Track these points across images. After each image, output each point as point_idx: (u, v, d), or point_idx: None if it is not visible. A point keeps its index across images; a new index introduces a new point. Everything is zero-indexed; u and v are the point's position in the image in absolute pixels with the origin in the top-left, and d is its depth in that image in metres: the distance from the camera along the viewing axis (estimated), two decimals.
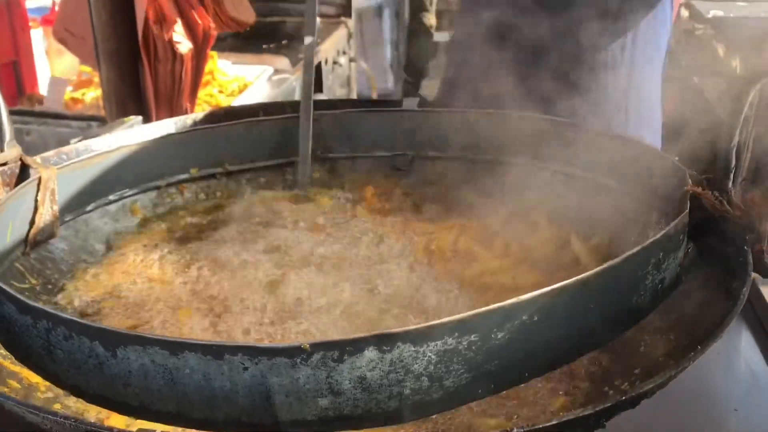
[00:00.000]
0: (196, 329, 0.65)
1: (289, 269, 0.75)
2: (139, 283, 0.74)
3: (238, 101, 2.06)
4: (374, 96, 3.42)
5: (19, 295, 0.48)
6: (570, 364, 0.51)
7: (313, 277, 0.73)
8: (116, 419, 0.51)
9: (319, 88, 2.72)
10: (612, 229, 0.78)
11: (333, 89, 2.86)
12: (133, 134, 0.86)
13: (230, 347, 0.43)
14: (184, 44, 1.11)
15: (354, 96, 3.20)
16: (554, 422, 0.42)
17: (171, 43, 1.10)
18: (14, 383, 0.53)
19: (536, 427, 0.41)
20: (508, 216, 0.85)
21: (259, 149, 0.92)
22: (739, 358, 0.92)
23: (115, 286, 0.74)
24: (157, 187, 0.87)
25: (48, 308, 0.47)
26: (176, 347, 0.43)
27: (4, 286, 0.50)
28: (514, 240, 0.81)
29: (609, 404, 0.43)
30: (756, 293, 1.00)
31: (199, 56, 1.18)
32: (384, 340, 0.43)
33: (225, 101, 2.02)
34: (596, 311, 0.50)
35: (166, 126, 0.90)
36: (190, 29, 1.13)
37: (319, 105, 0.96)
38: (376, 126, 0.94)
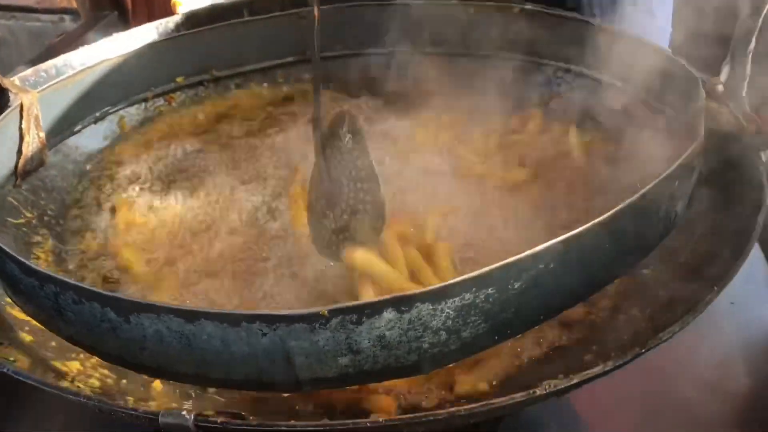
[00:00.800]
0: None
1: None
2: (138, 206, 0.73)
3: None
4: None
5: (23, 259, 0.47)
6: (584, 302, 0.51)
7: None
8: None
9: None
10: (613, 130, 0.76)
11: None
12: (114, 45, 0.81)
13: (247, 315, 0.42)
14: None
15: None
16: (576, 381, 0.42)
17: None
18: (26, 336, 0.53)
19: (559, 388, 0.42)
20: (499, 113, 0.83)
21: (247, 52, 0.88)
22: None
23: (112, 209, 0.72)
24: (144, 100, 0.83)
25: (55, 274, 0.45)
26: (192, 316, 0.42)
27: (5, 248, 0.48)
28: (498, 134, 0.79)
29: (629, 358, 0.44)
30: None
31: None
32: (402, 302, 0.42)
33: None
34: (611, 249, 0.50)
35: (147, 32, 0.85)
36: None
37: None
38: (369, 22, 0.89)
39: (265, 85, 0.89)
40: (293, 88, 0.89)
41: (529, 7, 0.83)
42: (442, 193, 0.67)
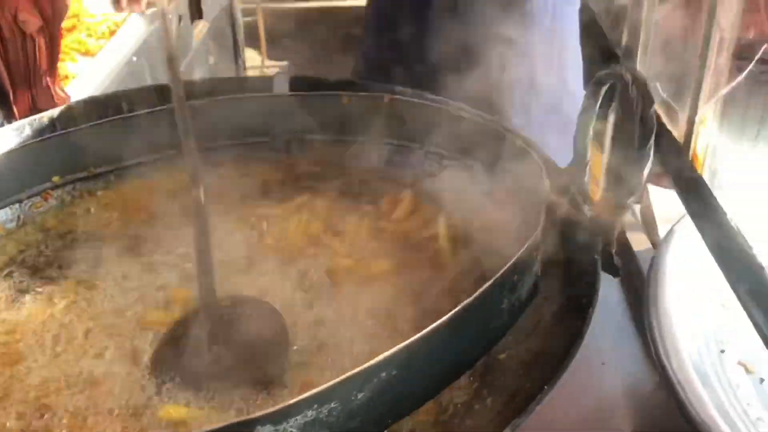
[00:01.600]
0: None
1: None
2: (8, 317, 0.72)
3: (112, 43, 1.94)
4: (260, 16, 3.28)
5: None
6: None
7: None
8: None
9: (199, 14, 2.61)
10: (478, 213, 0.80)
11: (213, 15, 2.74)
12: None
13: None
14: (31, 22, 1.03)
15: (238, 14, 3.08)
16: None
17: (16, 22, 1.01)
18: None
19: None
20: (371, 195, 0.86)
21: (126, 147, 0.88)
22: (608, 313, 0.98)
23: None
24: (19, 201, 0.83)
25: None
26: None
27: None
28: (370, 218, 0.82)
29: None
30: (624, 245, 1.06)
31: (52, 28, 1.09)
32: (243, 426, 0.44)
33: (95, 46, 1.90)
34: (456, 347, 0.53)
35: (19, 131, 0.85)
36: (37, 2, 1.04)
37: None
38: (248, 113, 0.91)
39: (147, 179, 0.90)
40: (175, 182, 0.89)
41: (398, 96, 0.88)
42: (307, 292, 0.70)
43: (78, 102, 0.92)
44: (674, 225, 0.95)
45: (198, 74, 2.36)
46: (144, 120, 0.89)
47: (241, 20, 2.99)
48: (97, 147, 0.87)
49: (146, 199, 0.87)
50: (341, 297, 0.71)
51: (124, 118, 0.88)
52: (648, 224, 1.09)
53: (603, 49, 0.74)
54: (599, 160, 0.82)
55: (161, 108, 0.89)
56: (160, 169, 0.90)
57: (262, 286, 0.72)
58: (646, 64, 0.96)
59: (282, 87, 0.97)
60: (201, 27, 2.50)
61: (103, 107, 0.92)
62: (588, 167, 0.72)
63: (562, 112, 1.29)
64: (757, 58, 0.69)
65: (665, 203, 1.03)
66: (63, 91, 1.31)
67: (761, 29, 0.70)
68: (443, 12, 1.11)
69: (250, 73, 3.44)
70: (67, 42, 1.84)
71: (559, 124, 1.30)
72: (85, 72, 1.77)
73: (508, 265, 0.56)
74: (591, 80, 0.69)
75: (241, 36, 3.00)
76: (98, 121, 0.87)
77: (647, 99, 0.59)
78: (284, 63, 4.25)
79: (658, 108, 0.94)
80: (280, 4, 4.38)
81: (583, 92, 1.29)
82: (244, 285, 0.73)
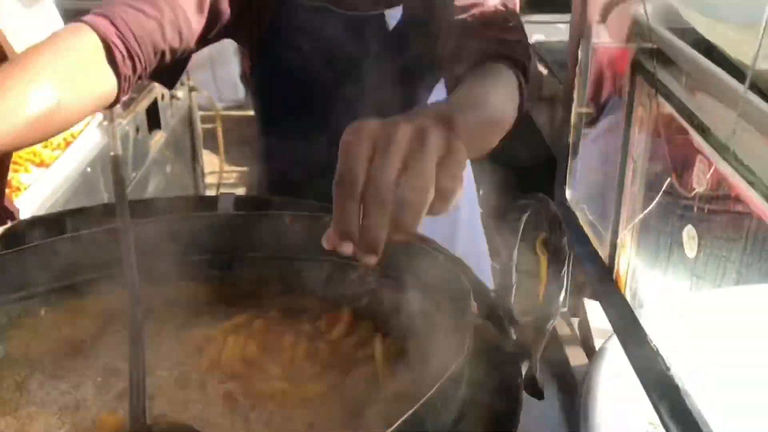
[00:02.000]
0: None
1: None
2: None
3: (67, 154, 1.97)
4: (219, 125, 3.36)
5: None
6: None
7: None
8: None
9: (157, 124, 2.66)
10: (413, 333, 0.82)
11: (172, 125, 2.79)
12: None
13: None
14: None
15: (198, 125, 3.14)
16: None
17: None
18: None
19: None
20: (310, 314, 0.87)
21: (67, 267, 0.89)
22: (548, 424, 1.00)
23: None
24: None
25: None
26: None
27: None
28: (307, 338, 0.83)
29: None
30: (561, 358, 1.09)
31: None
32: None
33: (49, 156, 1.92)
34: None
35: None
36: None
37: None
38: (191, 231, 0.93)
39: (87, 299, 0.90)
40: (114, 301, 0.90)
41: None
42: (239, 418, 0.70)
43: (21, 222, 0.94)
44: (605, 342, 0.99)
45: (154, 183, 2.39)
46: (87, 239, 0.90)
47: (200, 128, 3.05)
48: (38, 267, 0.87)
49: (83, 319, 0.87)
50: (275, 421, 0.71)
51: (65, 239, 0.89)
52: (584, 337, 1.12)
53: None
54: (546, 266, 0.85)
55: (104, 228, 0.91)
56: (100, 289, 0.90)
57: (195, 410, 0.73)
58: (572, 188, 1.02)
59: (226, 206, 1.00)
60: (159, 137, 2.56)
61: (47, 226, 0.93)
62: (514, 288, 0.75)
63: (456, 239, 1.32)
64: (662, 190, 0.74)
65: (602, 316, 1.07)
66: (12, 205, 1.32)
67: (665, 161, 0.76)
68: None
69: (209, 179, 3.49)
70: (21, 153, 1.87)
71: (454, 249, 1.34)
72: (39, 183, 1.79)
73: (430, 392, 0.57)
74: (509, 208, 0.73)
75: (200, 143, 3.06)
76: (39, 242, 0.88)
77: (559, 231, 0.62)
78: (244, 168, 4.33)
79: (586, 228, 1.00)
80: (239, 111, 4.51)
81: (475, 220, 1.34)
82: (176, 408, 0.73)
